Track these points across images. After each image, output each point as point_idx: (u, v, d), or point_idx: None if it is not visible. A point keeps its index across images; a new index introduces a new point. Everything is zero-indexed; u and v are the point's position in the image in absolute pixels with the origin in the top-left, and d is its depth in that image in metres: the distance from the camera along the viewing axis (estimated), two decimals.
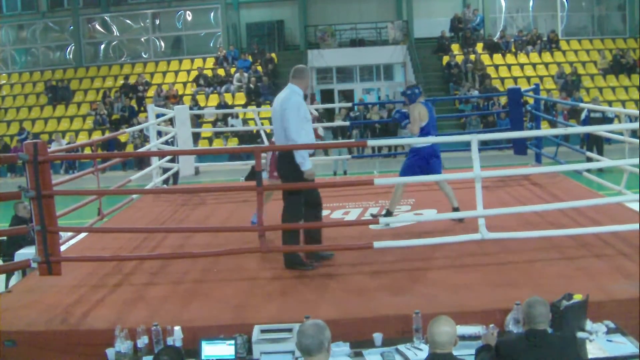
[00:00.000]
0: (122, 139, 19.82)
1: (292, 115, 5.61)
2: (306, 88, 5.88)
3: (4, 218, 8.96)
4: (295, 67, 5.93)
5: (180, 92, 22.62)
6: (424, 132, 6.91)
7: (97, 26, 26.12)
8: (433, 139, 6.82)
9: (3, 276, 7.70)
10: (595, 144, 14.83)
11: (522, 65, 22.99)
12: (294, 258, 5.84)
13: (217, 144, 20.42)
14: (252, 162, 8.61)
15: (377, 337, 4.42)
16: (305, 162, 5.65)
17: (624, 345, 4.17)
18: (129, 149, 19.48)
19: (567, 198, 7.47)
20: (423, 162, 6.92)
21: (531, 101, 11.15)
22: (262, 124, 12.14)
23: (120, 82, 23.46)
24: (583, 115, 16.60)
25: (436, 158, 6.99)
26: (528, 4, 25.57)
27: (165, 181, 10.02)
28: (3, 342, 4.64)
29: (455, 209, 7.06)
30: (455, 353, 3.51)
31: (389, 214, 7.22)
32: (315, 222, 5.99)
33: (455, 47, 23.78)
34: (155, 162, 9.51)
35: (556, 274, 5.26)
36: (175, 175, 10.85)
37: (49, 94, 23.54)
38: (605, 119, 16.41)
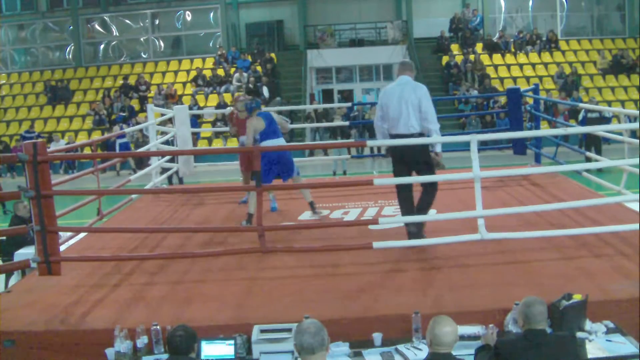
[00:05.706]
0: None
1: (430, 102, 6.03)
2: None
3: (4, 218, 8.95)
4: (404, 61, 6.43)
5: (179, 92, 22.60)
6: (261, 140, 7.32)
7: (97, 26, 26.08)
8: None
9: (3, 276, 7.69)
10: (593, 144, 14.80)
11: (521, 65, 22.99)
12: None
13: (217, 144, 20.40)
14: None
15: (377, 337, 4.43)
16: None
17: (624, 345, 4.17)
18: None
19: (566, 198, 7.47)
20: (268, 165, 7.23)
21: (531, 101, 11.15)
22: None
23: (120, 82, 23.44)
24: (581, 116, 16.59)
25: (278, 164, 7.33)
26: (527, 4, 25.57)
27: (170, 180, 9.97)
28: (2, 342, 4.64)
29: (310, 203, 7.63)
30: (454, 353, 3.51)
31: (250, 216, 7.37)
32: None
33: (454, 47, 23.78)
34: (155, 162, 9.50)
35: (556, 274, 5.26)
36: (176, 174, 10.84)
37: (49, 93, 23.52)
38: (603, 119, 16.40)
